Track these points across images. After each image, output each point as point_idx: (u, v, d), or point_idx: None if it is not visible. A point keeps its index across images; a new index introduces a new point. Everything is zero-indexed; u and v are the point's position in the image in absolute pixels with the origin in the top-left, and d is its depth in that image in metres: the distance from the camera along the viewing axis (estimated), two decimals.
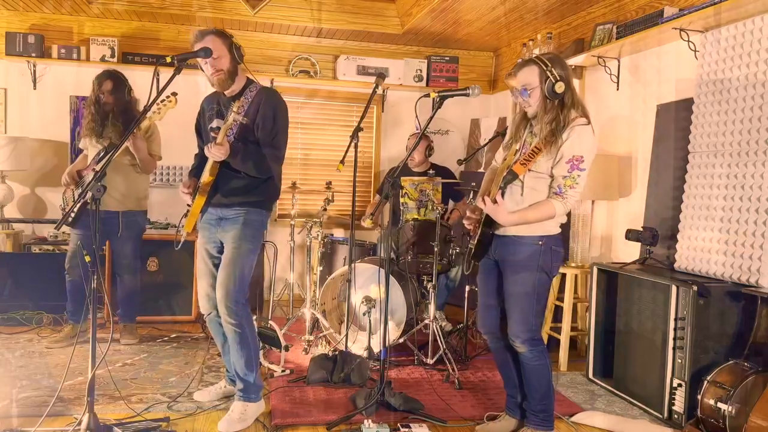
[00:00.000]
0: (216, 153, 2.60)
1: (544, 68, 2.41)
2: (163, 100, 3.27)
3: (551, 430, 2.61)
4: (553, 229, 2.51)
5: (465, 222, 2.67)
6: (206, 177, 2.75)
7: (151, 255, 4.44)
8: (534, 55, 2.51)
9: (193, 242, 4.33)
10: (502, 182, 2.45)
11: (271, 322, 3.57)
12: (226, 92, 2.78)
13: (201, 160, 2.94)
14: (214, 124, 2.77)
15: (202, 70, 2.74)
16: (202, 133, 2.95)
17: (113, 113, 3.76)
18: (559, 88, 2.39)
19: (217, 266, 2.82)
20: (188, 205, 2.81)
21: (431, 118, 2.77)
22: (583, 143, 2.39)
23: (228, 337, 2.79)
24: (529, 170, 2.43)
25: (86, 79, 4.28)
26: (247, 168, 2.71)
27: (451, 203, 4.58)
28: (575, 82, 4.32)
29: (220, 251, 2.82)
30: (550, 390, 2.58)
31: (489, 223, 2.51)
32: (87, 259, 2.45)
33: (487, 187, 2.72)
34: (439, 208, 3.70)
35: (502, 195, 2.44)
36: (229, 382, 3.04)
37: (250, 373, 2.77)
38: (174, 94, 3.26)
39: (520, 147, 2.55)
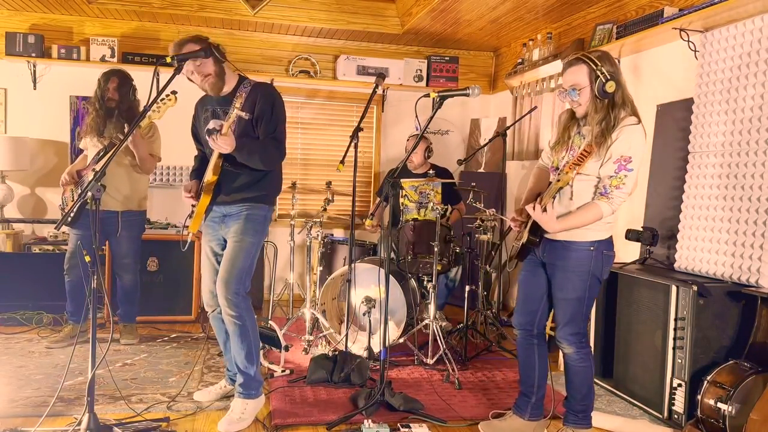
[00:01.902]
0: (222, 144, 2.57)
1: (594, 67, 2.35)
2: (162, 99, 3.27)
3: (590, 428, 2.65)
4: (604, 233, 2.48)
5: (510, 223, 2.67)
6: (210, 176, 2.75)
7: (151, 255, 4.44)
8: (581, 53, 2.43)
9: (195, 243, 4.35)
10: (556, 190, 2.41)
11: (271, 322, 3.57)
12: (219, 93, 2.79)
13: (201, 162, 2.95)
14: (211, 125, 2.75)
15: (191, 80, 2.74)
16: (198, 137, 2.95)
17: (117, 111, 3.76)
18: (610, 87, 2.34)
19: (220, 263, 2.82)
20: (193, 206, 2.81)
21: (431, 118, 2.77)
22: (633, 144, 2.34)
23: (228, 329, 2.79)
24: (578, 173, 2.38)
25: (86, 79, 4.29)
26: (254, 161, 2.70)
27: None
28: None
29: (224, 248, 2.83)
30: (591, 391, 2.63)
31: (535, 229, 2.49)
32: (87, 259, 2.44)
33: (534, 189, 2.68)
34: (439, 208, 3.70)
35: (552, 203, 2.40)
36: (229, 382, 3.04)
37: (251, 366, 2.77)
38: (174, 92, 3.26)
39: (568, 150, 2.52)
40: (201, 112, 2.89)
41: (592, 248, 2.45)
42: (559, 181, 2.31)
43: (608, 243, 2.50)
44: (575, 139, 2.51)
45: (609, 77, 2.34)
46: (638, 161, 2.36)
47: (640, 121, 2.39)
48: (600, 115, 2.38)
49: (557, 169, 2.54)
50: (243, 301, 2.74)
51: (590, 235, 2.45)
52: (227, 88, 2.78)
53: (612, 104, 2.38)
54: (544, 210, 2.36)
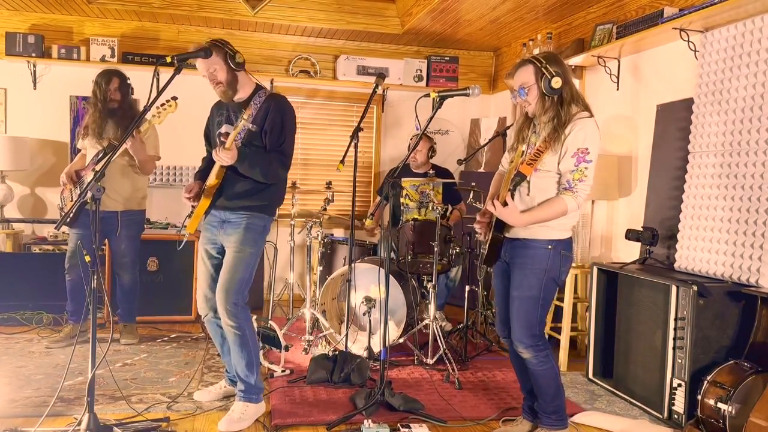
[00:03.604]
0: (224, 157, 2.61)
1: (539, 66, 2.40)
2: (163, 104, 3.25)
3: (565, 428, 2.62)
4: (564, 233, 2.48)
5: (476, 226, 2.65)
6: (212, 180, 2.76)
7: (151, 255, 4.44)
8: (528, 56, 2.50)
9: (194, 243, 4.35)
10: (511, 184, 2.41)
11: (271, 322, 3.56)
12: (234, 99, 2.80)
13: (208, 164, 2.94)
14: (223, 129, 2.78)
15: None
16: (210, 139, 2.95)
17: (120, 111, 3.75)
18: (556, 83, 2.38)
19: (216, 267, 2.82)
20: (192, 207, 2.82)
21: (431, 118, 2.77)
22: (587, 135, 2.37)
23: (228, 339, 2.79)
24: (536, 169, 2.40)
25: (86, 79, 4.28)
26: (255, 174, 2.72)
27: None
28: (576, 82, 4.35)
29: (220, 252, 2.83)
30: (559, 390, 2.57)
31: (500, 226, 2.49)
32: (87, 259, 2.45)
33: (495, 192, 2.70)
34: (440, 208, 3.69)
35: (512, 197, 2.40)
36: (229, 383, 3.04)
37: (251, 374, 2.78)
38: (174, 98, 3.25)
39: (526, 148, 2.53)
40: (216, 115, 2.90)
41: (550, 247, 2.44)
42: (512, 162, 2.30)
43: (567, 243, 2.50)
44: (531, 138, 2.53)
45: (554, 74, 2.38)
46: (595, 152, 2.39)
47: (592, 116, 2.43)
48: (550, 113, 2.41)
49: None
50: (242, 312, 2.74)
51: (550, 233, 2.44)
52: (242, 95, 2.78)
53: (561, 101, 2.41)
54: (505, 204, 2.36)
